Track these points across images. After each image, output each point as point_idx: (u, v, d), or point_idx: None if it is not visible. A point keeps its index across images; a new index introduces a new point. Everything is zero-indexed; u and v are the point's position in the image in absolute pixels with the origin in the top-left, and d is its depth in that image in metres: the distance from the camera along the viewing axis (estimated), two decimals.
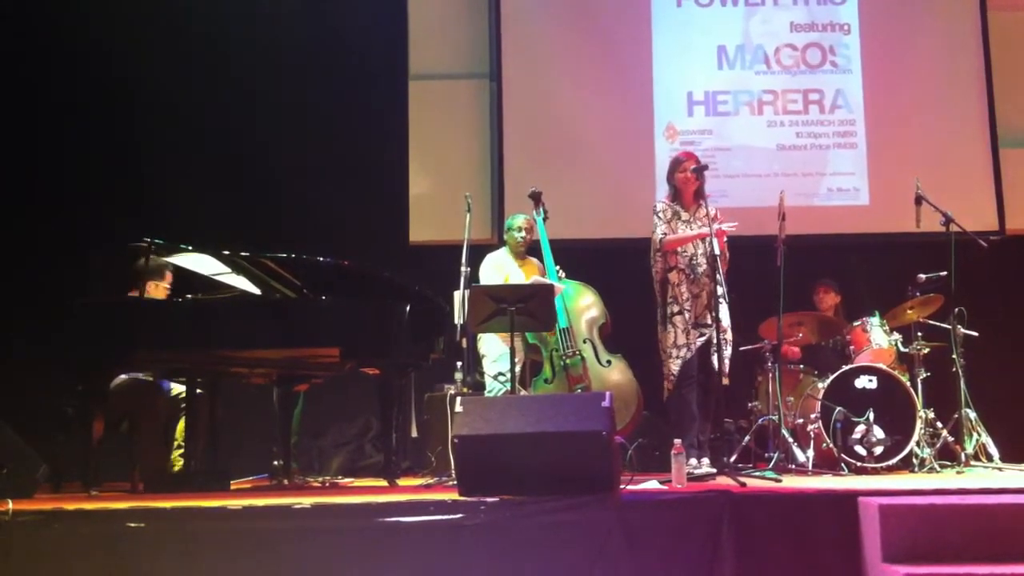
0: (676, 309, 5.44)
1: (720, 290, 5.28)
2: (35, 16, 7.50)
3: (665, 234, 5.50)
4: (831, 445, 5.57)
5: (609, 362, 5.94)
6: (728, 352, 5.41)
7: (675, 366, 5.39)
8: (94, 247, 6.13)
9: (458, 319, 5.56)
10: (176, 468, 5.42)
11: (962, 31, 7.80)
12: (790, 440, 5.86)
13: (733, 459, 5.79)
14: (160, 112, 7.48)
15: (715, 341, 5.27)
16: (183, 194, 7.13)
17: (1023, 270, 7.42)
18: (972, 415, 5.86)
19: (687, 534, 3.89)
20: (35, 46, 7.48)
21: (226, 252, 5.37)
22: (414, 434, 6.76)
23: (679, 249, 5.47)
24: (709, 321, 5.39)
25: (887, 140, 7.70)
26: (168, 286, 5.60)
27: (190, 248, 5.32)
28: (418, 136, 7.77)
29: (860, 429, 5.56)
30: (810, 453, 5.74)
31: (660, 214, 5.58)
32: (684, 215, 5.58)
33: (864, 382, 5.73)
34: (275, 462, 5.94)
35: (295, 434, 6.17)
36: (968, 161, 7.66)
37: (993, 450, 5.86)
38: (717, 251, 5.21)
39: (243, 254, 5.38)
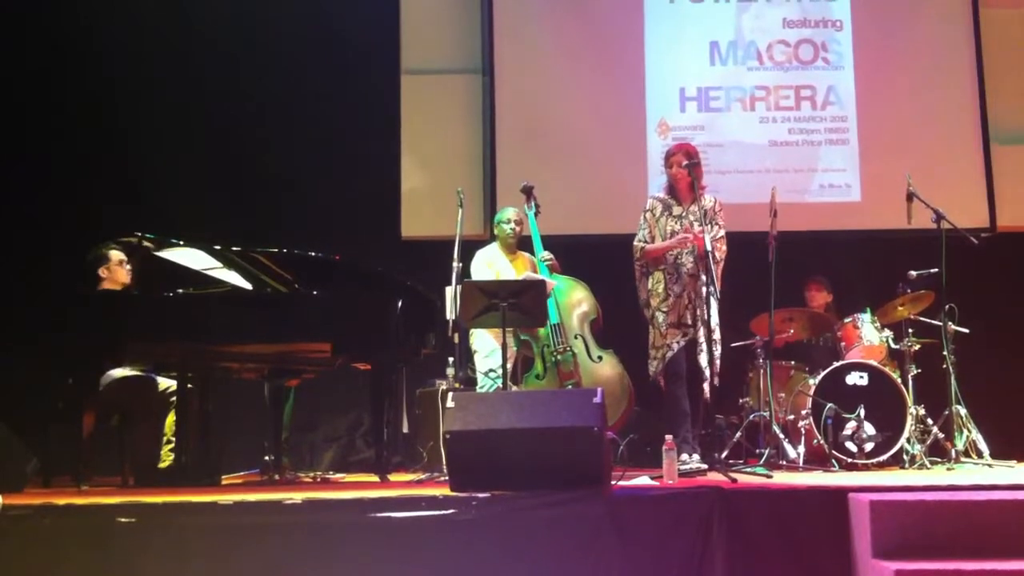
0: (652, 312, 5.47)
1: (708, 289, 5.26)
2: (22, 3, 7.46)
3: (645, 242, 5.53)
4: (822, 441, 5.57)
5: (600, 357, 5.93)
6: (718, 351, 5.38)
7: (651, 367, 5.45)
8: (83, 241, 6.08)
9: (450, 314, 5.55)
10: (166, 463, 5.41)
11: (954, 28, 7.81)
12: (781, 436, 5.86)
13: (724, 455, 5.80)
14: (151, 106, 7.44)
15: (700, 341, 5.28)
16: (173, 188, 7.09)
17: (1014, 267, 7.43)
18: (962, 411, 5.87)
19: (678, 529, 3.89)
20: (23, 33, 7.44)
21: (217, 247, 5.36)
22: (405, 429, 6.75)
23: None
24: (690, 321, 5.40)
25: (879, 137, 7.70)
26: (123, 267, 5.54)
27: (181, 242, 5.31)
28: (410, 130, 7.75)
29: (851, 425, 5.58)
30: (801, 449, 5.74)
31: (647, 214, 5.59)
32: (676, 209, 5.58)
33: (855, 378, 5.75)
34: (266, 457, 5.93)
35: (286, 429, 6.16)
36: (960, 158, 7.66)
37: (983, 446, 5.87)
38: (709, 247, 5.21)
39: (234, 248, 5.37)
